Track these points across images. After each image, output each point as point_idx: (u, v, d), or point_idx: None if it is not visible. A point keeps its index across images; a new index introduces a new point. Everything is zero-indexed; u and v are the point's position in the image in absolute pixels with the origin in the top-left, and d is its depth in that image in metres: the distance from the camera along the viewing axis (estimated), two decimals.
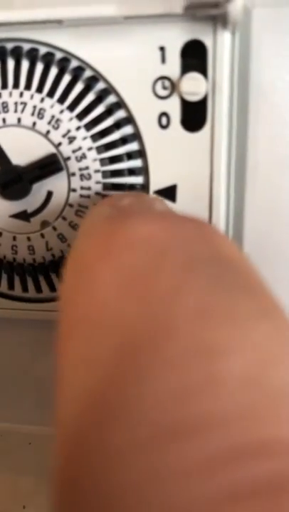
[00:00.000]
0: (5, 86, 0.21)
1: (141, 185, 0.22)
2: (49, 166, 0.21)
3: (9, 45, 0.21)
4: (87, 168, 0.21)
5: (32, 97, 0.21)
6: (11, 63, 0.21)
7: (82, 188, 0.22)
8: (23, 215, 0.23)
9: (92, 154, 0.21)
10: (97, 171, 0.21)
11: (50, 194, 0.22)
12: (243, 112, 0.21)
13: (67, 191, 0.22)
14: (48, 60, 0.21)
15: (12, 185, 0.21)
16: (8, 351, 0.27)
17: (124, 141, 0.21)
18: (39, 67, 0.21)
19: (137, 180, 0.22)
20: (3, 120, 0.21)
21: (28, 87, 0.21)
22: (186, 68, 0.20)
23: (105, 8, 0.19)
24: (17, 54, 0.21)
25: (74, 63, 0.21)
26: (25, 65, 0.21)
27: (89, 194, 0.22)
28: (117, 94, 0.21)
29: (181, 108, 0.20)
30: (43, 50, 0.21)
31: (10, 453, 0.26)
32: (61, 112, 0.21)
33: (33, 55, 0.21)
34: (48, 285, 0.24)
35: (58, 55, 0.21)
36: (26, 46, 0.21)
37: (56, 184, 0.22)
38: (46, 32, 0.20)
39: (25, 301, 0.24)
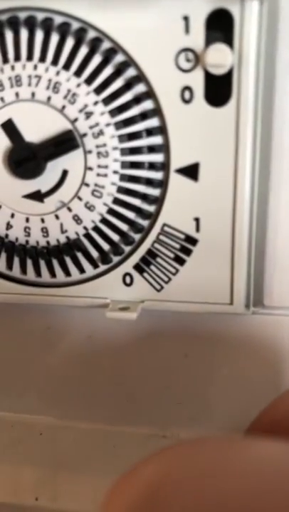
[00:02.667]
0: (18, 58, 0.20)
1: (161, 164, 0.21)
2: (65, 142, 0.21)
3: (22, 15, 0.20)
4: (104, 145, 0.21)
5: (47, 69, 0.20)
6: (24, 34, 0.20)
7: (99, 166, 0.21)
8: (37, 196, 0.22)
9: (110, 130, 0.21)
10: (115, 149, 0.21)
11: (65, 173, 0.21)
12: (269, 86, 0.20)
13: (84, 170, 0.21)
14: (63, 30, 0.20)
15: (26, 163, 0.21)
16: (20, 338, 0.26)
17: (143, 116, 0.21)
18: (54, 38, 0.20)
19: (157, 158, 0.21)
20: (17, 94, 0.21)
21: (42, 59, 0.20)
22: (211, 39, 0.19)
23: None
24: (31, 24, 0.20)
25: (91, 34, 0.20)
26: (39, 35, 0.20)
27: (106, 173, 0.21)
28: (137, 67, 0.20)
29: (205, 82, 0.20)
30: (58, 19, 0.20)
31: (21, 443, 0.26)
32: (78, 85, 0.20)
33: (47, 25, 0.20)
34: (62, 269, 0.23)
35: (75, 26, 0.20)
36: (40, 16, 0.20)
37: (72, 162, 0.21)
38: (62, 0, 0.20)
39: (39, 286, 0.24)
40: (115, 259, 0.23)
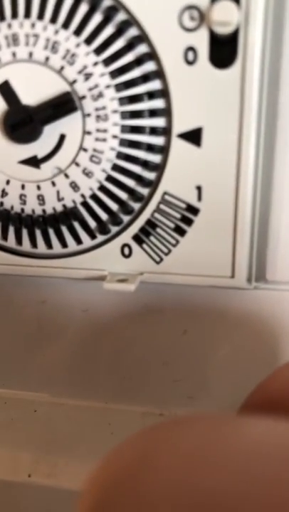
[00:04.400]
0: (15, 15, 0.20)
1: (162, 128, 0.20)
2: (63, 105, 0.20)
3: None
4: (104, 108, 0.20)
5: (45, 28, 0.20)
6: None
7: (98, 130, 0.21)
8: (33, 161, 0.21)
9: (110, 93, 0.20)
10: (114, 112, 0.20)
11: (62, 137, 0.21)
12: (277, 46, 0.20)
13: (82, 134, 0.21)
14: None
15: (22, 127, 0.20)
16: (14, 312, 0.26)
17: (145, 78, 0.20)
18: None
19: (159, 122, 0.20)
20: (13, 54, 0.20)
21: (40, 16, 0.20)
22: None
23: None
24: None
25: None
26: None
27: (105, 137, 0.21)
28: (139, 27, 0.19)
29: (210, 42, 0.19)
30: None
31: (15, 420, 0.26)
32: (77, 45, 0.20)
33: None
34: (58, 240, 0.23)
35: None
36: None
37: (69, 126, 0.21)
38: None
39: (35, 257, 0.23)
40: (113, 229, 0.22)
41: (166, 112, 0.20)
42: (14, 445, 0.25)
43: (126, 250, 0.23)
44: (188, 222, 0.22)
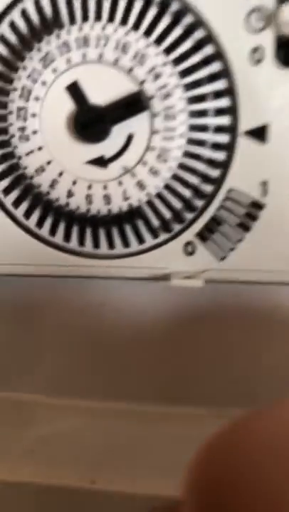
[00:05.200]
0: (86, 19, 0.21)
1: (228, 126, 0.21)
2: (134, 105, 0.20)
3: None
4: (172, 107, 0.21)
5: (116, 30, 0.20)
6: None
7: (166, 129, 0.21)
8: (101, 161, 0.22)
9: (178, 92, 0.21)
10: (182, 111, 0.21)
11: (130, 137, 0.21)
12: None
13: (149, 133, 0.21)
14: None
15: (92, 126, 0.21)
16: (75, 314, 0.26)
17: (212, 78, 0.20)
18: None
19: (225, 120, 0.21)
20: (83, 56, 0.21)
21: (111, 19, 0.20)
22: None
23: None
24: None
25: None
26: None
27: (172, 136, 0.21)
28: (207, 28, 0.20)
29: (276, 42, 0.20)
30: None
31: (76, 428, 0.25)
32: (147, 46, 0.20)
33: None
34: (121, 239, 0.23)
35: None
36: None
37: (137, 126, 0.21)
38: None
39: (96, 257, 0.24)
40: (176, 227, 0.23)
41: (232, 110, 0.21)
42: (76, 452, 0.25)
43: (189, 248, 0.23)
44: (253, 218, 0.22)
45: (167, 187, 0.22)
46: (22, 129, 0.22)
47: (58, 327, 0.26)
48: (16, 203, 0.23)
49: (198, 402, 0.25)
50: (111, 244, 0.23)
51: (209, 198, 0.22)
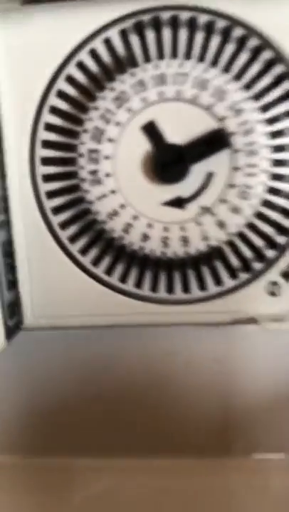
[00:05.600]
0: (161, 56, 0.20)
1: None
2: (216, 142, 0.20)
3: (165, 15, 0.20)
4: (254, 143, 0.20)
5: (194, 67, 0.20)
6: (167, 32, 0.20)
7: (247, 165, 0.20)
8: (178, 202, 0.21)
9: (260, 127, 0.20)
10: (264, 146, 0.20)
11: (210, 175, 0.20)
12: None
13: (230, 170, 0.20)
14: (209, 28, 0.19)
15: (172, 167, 0.20)
16: (144, 363, 0.24)
17: None
18: (199, 35, 0.20)
19: None
20: (160, 94, 0.20)
21: (188, 56, 0.20)
22: None
23: None
24: (174, 23, 0.20)
25: (238, 31, 0.20)
26: (183, 33, 0.20)
27: (255, 172, 0.20)
28: (286, 63, 0.20)
29: None
30: (203, 18, 0.20)
31: (149, 489, 0.23)
32: (226, 82, 0.20)
33: (192, 24, 0.20)
34: (198, 282, 0.21)
35: (220, 24, 0.20)
36: (185, 15, 0.20)
37: (217, 163, 0.20)
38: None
39: (170, 303, 0.22)
40: (258, 266, 0.22)
41: None
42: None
43: (274, 288, 0.22)
44: None
45: (249, 225, 0.21)
46: (94, 172, 0.21)
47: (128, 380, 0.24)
48: (85, 250, 0.22)
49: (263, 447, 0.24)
50: (186, 288, 0.22)
51: None
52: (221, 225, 0.21)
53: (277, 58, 0.20)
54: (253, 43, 0.20)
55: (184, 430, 0.25)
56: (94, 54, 0.20)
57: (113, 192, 0.21)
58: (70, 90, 0.20)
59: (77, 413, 0.24)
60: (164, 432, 0.25)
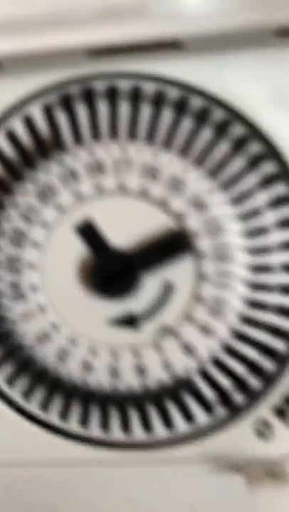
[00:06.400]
0: (97, 138, 0.16)
1: None
2: (172, 246, 0.15)
3: (100, 85, 0.16)
4: (224, 244, 0.16)
5: (140, 151, 0.16)
6: (103, 107, 0.16)
7: (218, 273, 0.16)
8: (129, 320, 0.16)
9: (232, 225, 0.15)
10: (239, 248, 0.16)
11: (168, 287, 0.16)
12: None
13: (195, 279, 0.16)
14: (157, 99, 0.15)
15: (117, 278, 0.15)
16: None
17: (275, 203, 0.16)
18: (146, 109, 0.15)
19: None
20: (97, 187, 0.16)
21: (131, 136, 0.16)
22: None
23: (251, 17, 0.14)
24: (112, 94, 0.15)
25: (197, 102, 0.15)
26: (124, 107, 0.15)
27: (228, 282, 0.16)
28: (263, 141, 0.15)
29: None
30: (149, 87, 0.15)
31: None
32: (184, 169, 0.15)
33: (135, 95, 0.15)
34: (163, 421, 0.16)
35: (173, 93, 0.15)
36: (125, 84, 0.15)
37: (177, 271, 0.16)
38: (156, 62, 0.15)
39: (126, 447, 0.17)
40: (241, 401, 0.17)
41: None
42: None
43: (263, 429, 0.17)
44: None
45: (226, 348, 0.16)
46: (14, 285, 0.16)
47: None
48: (10, 382, 0.17)
49: None
50: (148, 429, 0.17)
51: (283, 358, 0.16)
52: (188, 349, 0.16)
53: (250, 135, 0.15)
54: (217, 116, 0.15)
55: None
56: (11, 136, 0.16)
57: (42, 309, 0.16)
58: None
59: None
60: None
